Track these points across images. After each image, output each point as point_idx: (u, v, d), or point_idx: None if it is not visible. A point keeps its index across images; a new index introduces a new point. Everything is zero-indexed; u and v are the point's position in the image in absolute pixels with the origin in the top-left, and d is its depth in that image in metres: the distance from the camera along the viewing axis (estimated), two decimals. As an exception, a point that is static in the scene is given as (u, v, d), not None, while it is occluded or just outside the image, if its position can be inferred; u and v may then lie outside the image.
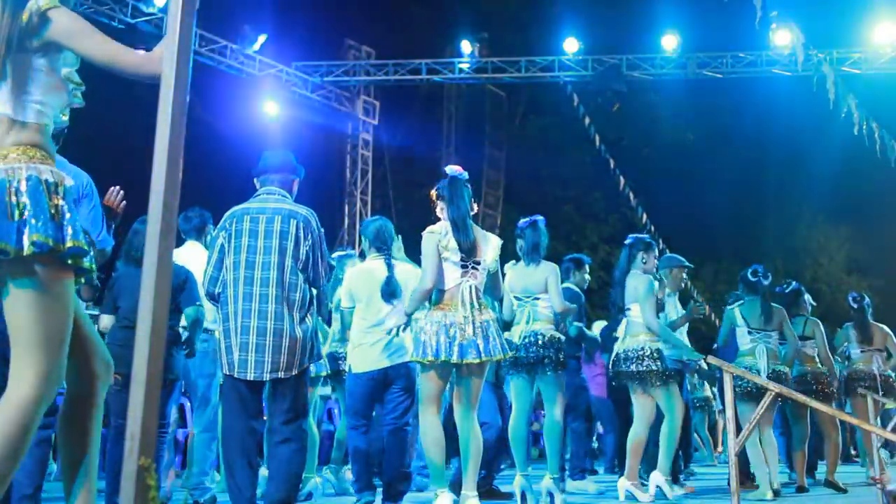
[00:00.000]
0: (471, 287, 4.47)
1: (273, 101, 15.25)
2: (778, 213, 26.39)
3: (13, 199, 2.30)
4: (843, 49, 14.49)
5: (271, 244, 4.13)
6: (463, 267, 4.50)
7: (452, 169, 4.73)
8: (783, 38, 13.08)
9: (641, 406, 5.96)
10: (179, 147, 1.53)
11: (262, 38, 14.70)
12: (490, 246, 4.62)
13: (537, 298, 5.57)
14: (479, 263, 4.55)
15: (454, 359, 4.38)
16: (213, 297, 4.25)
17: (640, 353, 5.79)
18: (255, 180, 4.44)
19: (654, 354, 5.79)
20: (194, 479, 5.38)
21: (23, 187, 2.32)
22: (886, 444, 8.05)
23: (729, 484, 4.96)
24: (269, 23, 15.20)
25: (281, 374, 4.09)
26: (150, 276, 1.48)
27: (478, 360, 4.40)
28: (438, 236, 4.53)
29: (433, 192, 4.72)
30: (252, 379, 4.08)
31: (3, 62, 2.41)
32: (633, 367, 5.81)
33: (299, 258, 4.17)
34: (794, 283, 7.56)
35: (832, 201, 25.46)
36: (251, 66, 14.99)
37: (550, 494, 5.47)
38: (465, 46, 16.27)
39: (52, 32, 2.41)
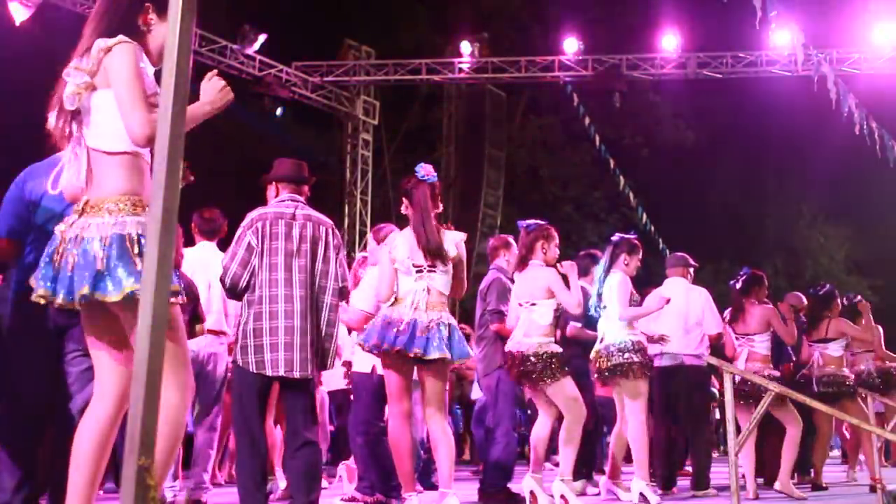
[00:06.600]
0: (423, 289, 4.52)
1: (273, 102, 15.23)
2: (778, 213, 26.39)
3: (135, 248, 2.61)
4: (843, 49, 14.47)
5: (306, 248, 4.25)
6: (418, 272, 4.55)
7: (421, 170, 4.70)
8: (783, 38, 13.05)
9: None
10: (179, 147, 1.53)
11: (261, 38, 14.68)
12: (447, 246, 4.60)
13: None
14: (435, 267, 4.56)
15: (396, 347, 4.41)
16: (235, 292, 4.26)
17: (621, 346, 5.77)
18: (276, 184, 4.47)
19: (635, 346, 5.76)
20: (196, 477, 5.44)
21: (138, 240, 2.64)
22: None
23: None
24: (269, 23, 15.19)
25: (309, 373, 4.17)
26: (151, 276, 1.49)
27: (428, 357, 4.42)
28: (388, 247, 4.65)
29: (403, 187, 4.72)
30: (283, 375, 4.12)
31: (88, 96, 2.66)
32: (613, 361, 5.76)
33: (329, 262, 4.30)
34: (827, 285, 7.56)
35: (832, 201, 25.46)
36: (251, 66, 14.98)
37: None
38: (465, 46, 16.24)
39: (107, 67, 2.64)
